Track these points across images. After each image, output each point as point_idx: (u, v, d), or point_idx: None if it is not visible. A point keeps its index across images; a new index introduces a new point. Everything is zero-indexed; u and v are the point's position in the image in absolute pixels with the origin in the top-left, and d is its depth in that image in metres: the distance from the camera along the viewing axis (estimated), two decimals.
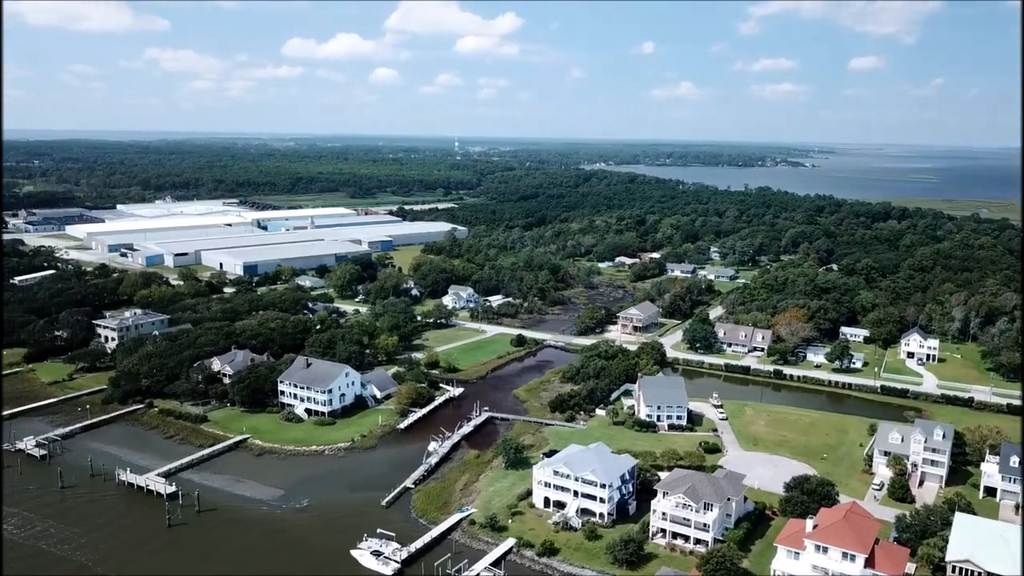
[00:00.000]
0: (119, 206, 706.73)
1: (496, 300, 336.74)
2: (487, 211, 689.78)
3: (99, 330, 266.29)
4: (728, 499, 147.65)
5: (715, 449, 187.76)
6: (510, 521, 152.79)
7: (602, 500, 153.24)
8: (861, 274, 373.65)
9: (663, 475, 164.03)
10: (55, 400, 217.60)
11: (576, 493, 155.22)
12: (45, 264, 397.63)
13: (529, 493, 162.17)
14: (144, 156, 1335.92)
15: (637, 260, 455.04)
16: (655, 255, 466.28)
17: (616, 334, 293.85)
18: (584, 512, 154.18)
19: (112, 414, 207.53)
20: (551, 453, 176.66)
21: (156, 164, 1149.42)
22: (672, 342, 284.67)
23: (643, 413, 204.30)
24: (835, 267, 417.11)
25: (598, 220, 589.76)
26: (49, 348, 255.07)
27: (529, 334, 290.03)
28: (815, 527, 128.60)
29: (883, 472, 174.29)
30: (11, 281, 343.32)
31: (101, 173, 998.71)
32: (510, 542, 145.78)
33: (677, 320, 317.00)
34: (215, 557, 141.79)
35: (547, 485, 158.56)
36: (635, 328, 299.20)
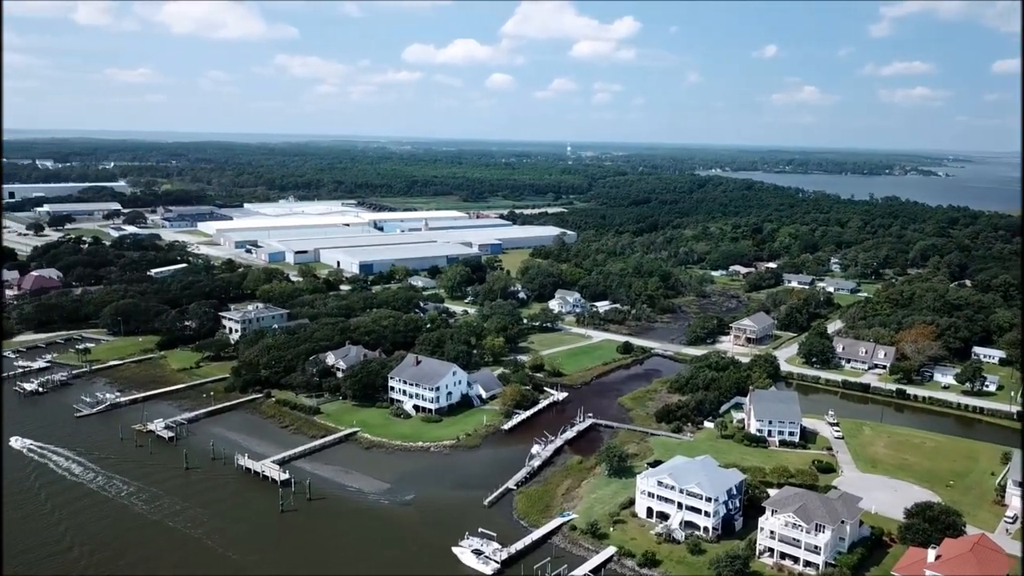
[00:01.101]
0: (246, 204, 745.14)
1: (603, 306, 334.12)
2: (597, 216, 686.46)
3: (224, 322, 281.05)
4: (842, 522, 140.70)
5: (829, 469, 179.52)
6: (611, 529, 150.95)
7: (707, 514, 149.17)
8: (998, 291, 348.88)
9: (772, 492, 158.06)
10: (183, 386, 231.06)
11: (680, 505, 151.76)
12: (178, 258, 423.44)
13: (632, 502, 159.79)
14: (270, 157, 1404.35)
15: (752, 269, 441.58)
16: (771, 265, 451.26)
17: (728, 345, 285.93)
18: (688, 525, 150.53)
19: (233, 402, 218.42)
20: (656, 463, 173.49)
21: (280, 165, 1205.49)
22: (786, 356, 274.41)
23: (753, 427, 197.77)
24: (968, 283, 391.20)
25: (712, 227, 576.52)
26: (179, 337, 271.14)
27: (636, 341, 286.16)
28: (938, 558, 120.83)
29: (1017, 504, 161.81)
30: (148, 273, 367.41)
31: (231, 173, 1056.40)
32: (611, 550, 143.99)
33: (793, 333, 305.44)
34: (323, 544, 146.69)
35: (651, 495, 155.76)
36: (748, 340, 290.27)
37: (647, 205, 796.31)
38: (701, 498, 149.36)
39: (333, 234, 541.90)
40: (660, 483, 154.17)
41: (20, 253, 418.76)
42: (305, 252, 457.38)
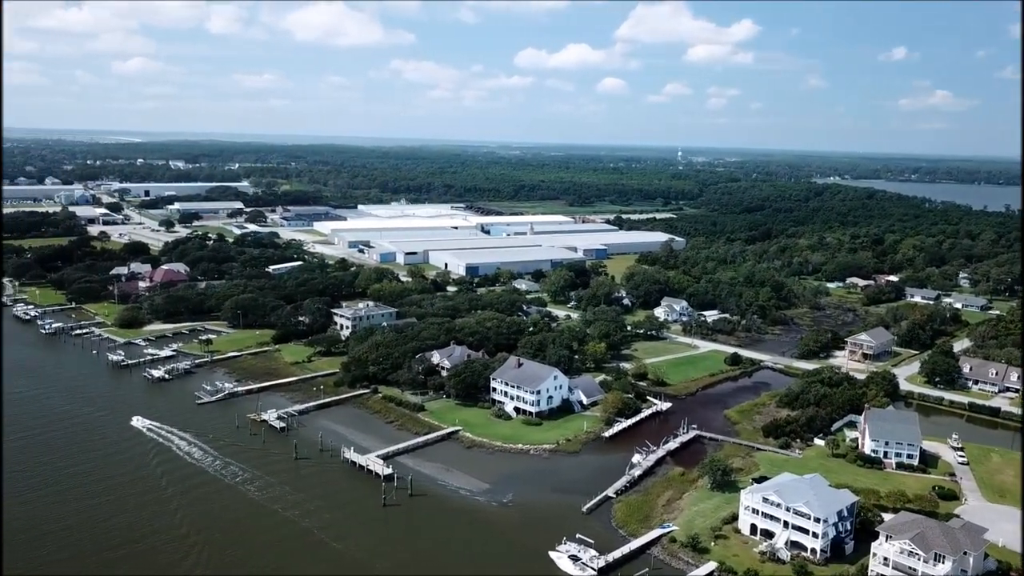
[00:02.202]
0: (360, 206, 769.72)
1: (711, 315, 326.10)
2: (707, 222, 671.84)
3: (336, 318, 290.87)
4: (964, 553, 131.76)
5: (951, 496, 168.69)
6: (713, 544, 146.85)
7: (815, 535, 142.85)
8: None
9: (887, 517, 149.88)
10: (295, 379, 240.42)
11: (786, 524, 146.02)
12: (295, 256, 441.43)
13: (735, 517, 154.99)
14: (383, 160, 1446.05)
15: (871, 282, 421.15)
16: (892, 278, 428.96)
17: (842, 360, 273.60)
18: (794, 545, 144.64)
19: (342, 396, 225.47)
20: (762, 479, 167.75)
21: (393, 168, 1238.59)
22: (907, 374, 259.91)
23: (868, 448, 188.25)
24: None
25: (829, 237, 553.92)
26: (293, 331, 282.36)
27: (745, 353, 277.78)
28: None
29: None
30: (266, 269, 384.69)
31: (346, 175, 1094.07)
32: (711, 565, 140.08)
33: (914, 350, 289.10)
34: (423, 540, 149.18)
35: (755, 512, 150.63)
36: (865, 355, 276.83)
37: (760, 213, 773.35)
38: (809, 518, 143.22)
39: (441, 236, 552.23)
40: (766, 500, 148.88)
41: (152, 248, 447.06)
42: (415, 253, 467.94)
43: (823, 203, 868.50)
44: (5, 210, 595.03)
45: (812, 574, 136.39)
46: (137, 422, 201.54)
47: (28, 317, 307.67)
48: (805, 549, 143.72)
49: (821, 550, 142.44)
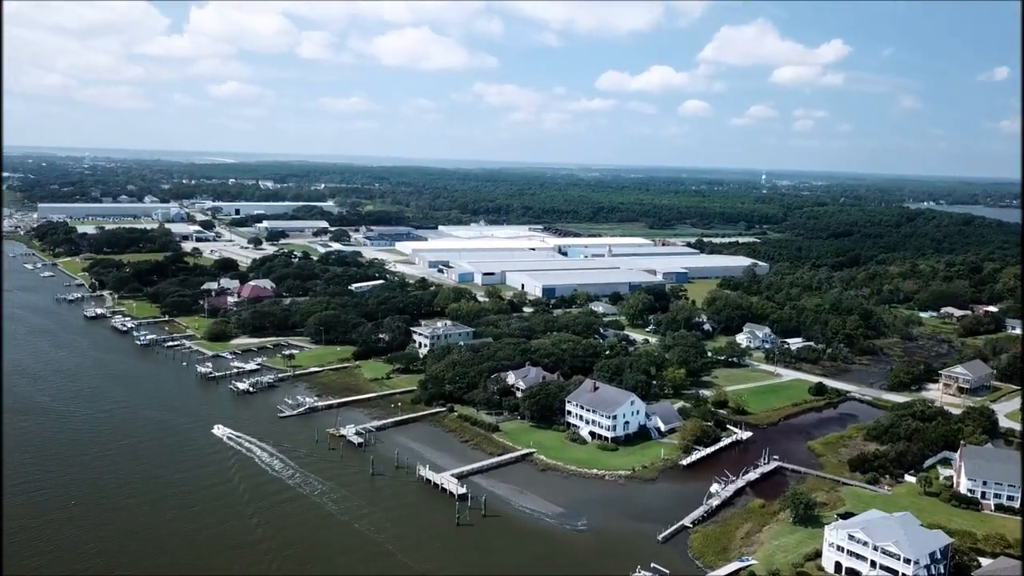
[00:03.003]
0: (440, 226, 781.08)
1: (795, 343, 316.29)
2: (792, 247, 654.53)
3: (415, 336, 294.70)
4: None
5: None
6: None
7: None
8: None
9: (984, 562, 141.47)
10: (373, 395, 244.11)
11: (874, 564, 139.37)
12: (377, 275, 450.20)
13: (818, 554, 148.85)
14: (464, 182, 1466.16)
15: (968, 312, 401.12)
16: (991, 308, 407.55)
17: (936, 394, 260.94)
18: None
19: (418, 413, 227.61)
20: (847, 515, 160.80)
21: (473, 190, 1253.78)
22: (1007, 410, 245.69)
23: (963, 487, 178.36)
24: None
25: (922, 264, 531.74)
26: (373, 348, 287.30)
27: (831, 383, 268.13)
28: None
29: None
30: (349, 287, 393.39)
31: (427, 196, 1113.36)
32: None
33: (1015, 385, 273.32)
34: (495, 561, 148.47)
35: (840, 549, 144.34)
36: (960, 389, 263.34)
37: (848, 238, 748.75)
38: (899, 558, 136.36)
39: (519, 258, 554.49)
40: (852, 537, 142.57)
41: (241, 264, 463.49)
42: (492, 274, 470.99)
43: (916, 229, 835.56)
44: (108, 226, 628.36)
45: None
46: (218, 431, 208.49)
47: (125, 329, 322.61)
48: None
49: None
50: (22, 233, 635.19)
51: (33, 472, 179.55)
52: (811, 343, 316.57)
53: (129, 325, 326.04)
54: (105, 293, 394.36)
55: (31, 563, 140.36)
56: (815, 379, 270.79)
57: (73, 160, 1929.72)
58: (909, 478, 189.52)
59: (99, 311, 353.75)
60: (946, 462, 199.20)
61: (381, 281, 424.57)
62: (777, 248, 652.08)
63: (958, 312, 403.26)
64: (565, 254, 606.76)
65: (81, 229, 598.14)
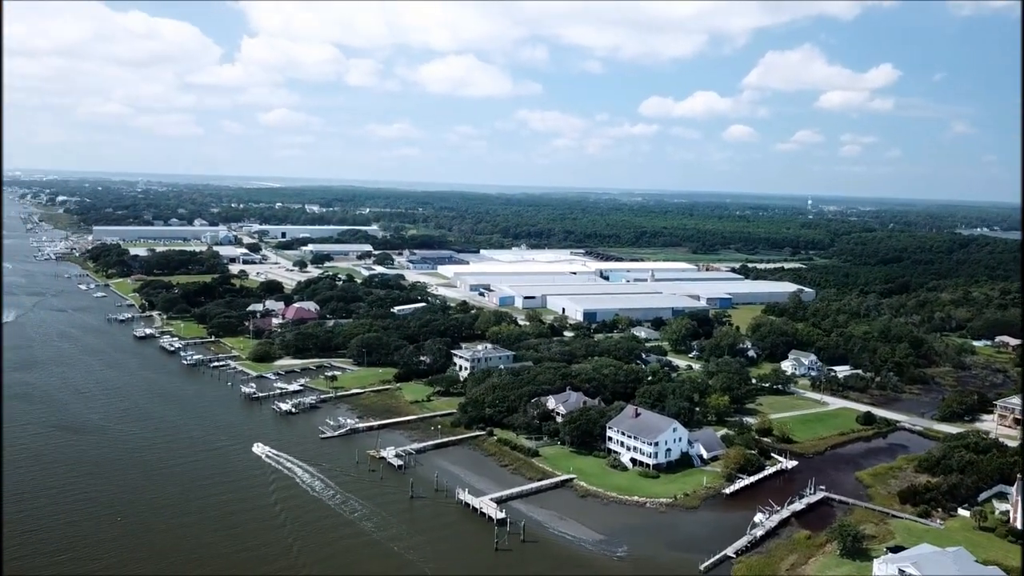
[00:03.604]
0: (482, 251, 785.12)
1: (843, 371, 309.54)
2: (839, 273, 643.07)
3: (455, 359, 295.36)
4: None
5: None
6: None
7: None
8: None
9: None
10: (414, 417, 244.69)
11: None
12: (419, 297, 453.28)
13: None
14: (506, 207, 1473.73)
15: None
16: None
17: (991, 425, 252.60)
18: None
19: (458, 436, 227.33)
20: (897, 549, 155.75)
21: (515, 215, 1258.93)
22: None
23: (1020, 522, 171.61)
24: None
25: (975, 292, 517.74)
26: (415, 371, 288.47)
27: (879, 412, 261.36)
28: None
29: None
30: (391, 310, 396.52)
31: (470, 221, 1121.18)
32: None
33: None
34: None
35: None
36: (1016, 420, 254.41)
37: (897, 264, 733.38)
38: None
39: (560, 282, 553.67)
40: (902, 572, 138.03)
41: (286, 286, 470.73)
42: (533, 298, 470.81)
43: (969, 255, 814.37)
44: (159, 249, 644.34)
45: None
46: (257, 449, 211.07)
47: (172, 348, 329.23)
48: None
49: None
50: (77, 254, 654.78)
51: (82, 488, 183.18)
52: (859, 371, 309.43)
53: (176, 345, 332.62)
54: (154, 314, 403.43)
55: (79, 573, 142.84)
56: (863, 408, 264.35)
57: (127, 184, 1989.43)
58: (963, 512, 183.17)
59: (148, 331, 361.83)
60: (1002, 496, 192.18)
61: (423, 304, 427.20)
62: (823, 274, 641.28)
63: (1013, 341, 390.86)
64: (607, 278, 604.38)
65: (133, 251, 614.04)
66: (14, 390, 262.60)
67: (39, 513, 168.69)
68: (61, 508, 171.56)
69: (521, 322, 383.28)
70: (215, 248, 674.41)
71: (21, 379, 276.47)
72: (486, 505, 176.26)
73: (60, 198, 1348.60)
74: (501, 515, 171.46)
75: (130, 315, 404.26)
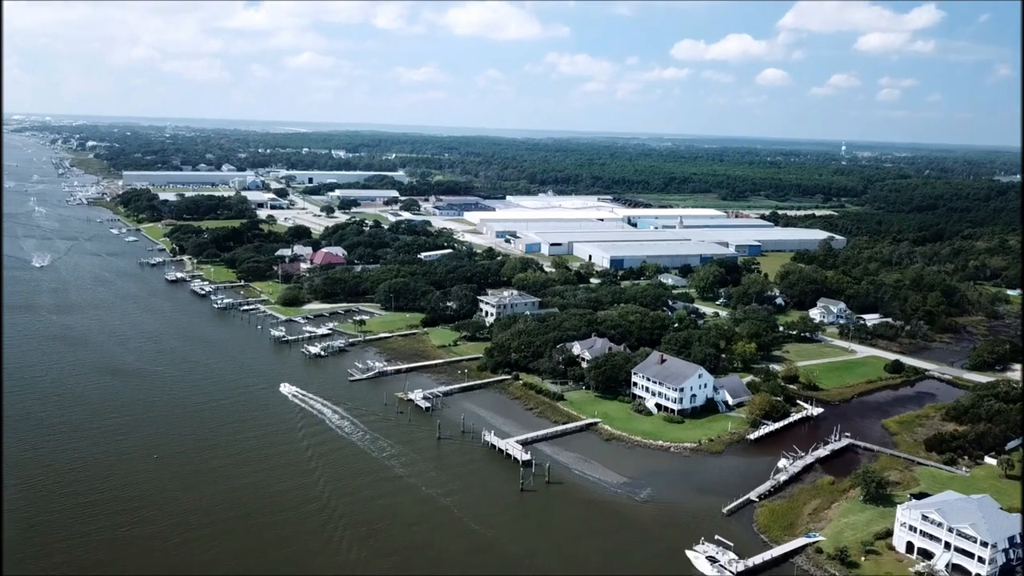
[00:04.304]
0: (508, 197, 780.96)
1: (872, 319, 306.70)
2: (871, 221, 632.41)
3: (481, 305, 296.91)
4: None
5: None
6: (863, 559, 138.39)
7: (981, 560, 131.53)
8: None
9: None
10: (440, 361, 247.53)
11: (948, 545, 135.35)
12: (445, 244, 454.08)
13: (888, 533, 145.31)
14: (533, 152, 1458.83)
15: None
16: None
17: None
18: (955, 568, 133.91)
19: (484, 380, 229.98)
20: (921, 495, 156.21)
21: (542, 160, 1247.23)
22: None
23: None
24: None
25: (1012, 240, 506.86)
26: (441, 316, 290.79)
27: (908, 361, 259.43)
28: None
29: None
30: (418, 256, 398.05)
31: (496, 166, 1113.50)
32: None
33: None
34: (558, 527, 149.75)
35: (912, 529, 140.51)
36: None
37: (932, 212, 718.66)
38: (975, 541, 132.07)
39: (587, 228, 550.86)
40: (926, 518, 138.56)
41: (314, 232, 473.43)
42: (559, 244, 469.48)
43: (1007, 203, 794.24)
44: (188, 194, 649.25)
45: None
46: (284, 388, 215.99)
47: (203, 292, 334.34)
48: (968, 574, 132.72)
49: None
50: (108, 199, 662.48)
51: (120, 427, 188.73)
52: (889, 320, 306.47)
53: (207, 289, 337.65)
54: (185, 258, 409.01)
55: (118, 511, 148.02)
56: (892, 356, 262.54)
57: (156, 130, 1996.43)
58: (989, 460, 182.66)
59: (179, 275, 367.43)
60: None
61: (449, 250, 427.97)
62: (855, 222, 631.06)
63: None
64: (635, 225, 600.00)
65: (163, 196, 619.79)
66: (55, 332, 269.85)
67: (80, 450, 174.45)
68: (100, 447, 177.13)
69: (547, 269, 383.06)
70: (243, 193, 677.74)
71: (61, 322, 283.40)
72: (512, 447, 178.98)
73: (90, 143, 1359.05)
74: (526, 457, 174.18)
75: (161, 259, 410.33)
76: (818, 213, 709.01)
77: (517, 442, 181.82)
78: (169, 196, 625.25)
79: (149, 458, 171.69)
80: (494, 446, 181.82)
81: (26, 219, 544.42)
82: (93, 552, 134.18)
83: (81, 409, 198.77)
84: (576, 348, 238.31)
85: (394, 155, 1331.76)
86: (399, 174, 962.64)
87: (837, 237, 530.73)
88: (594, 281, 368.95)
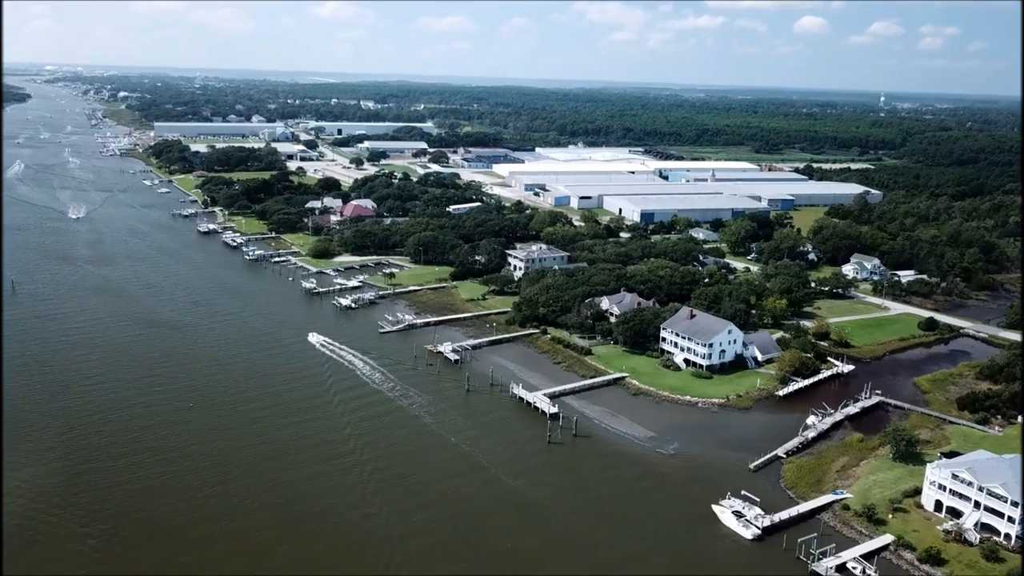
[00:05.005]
0: (537, 149, 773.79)
1: (907, 276, 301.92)
2: (909, 175, 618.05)
3: (510, 259, 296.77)
4: None
5: None
6: (890, 516, 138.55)
7: (1011, 520, 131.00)
8: None
9: None
10: (469, 315, 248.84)
11: (977, 504, 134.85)
12: (473, 197, 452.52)
13: (917, 491, 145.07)
14: (563, 103, 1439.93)
15: None
16: None
17: None
18: (984, 528, 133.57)
19: (512, 334, 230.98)
20: (952, 454, 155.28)
21: (573, 111, 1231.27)
22: None
23: None
24: None
25: None
26: (470, 269, 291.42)
27: (943, 318, 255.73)
28: None
29: None
30: (447, 209, 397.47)
31: (525, 118, 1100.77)
32: (887, 538, 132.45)
33: None
34: (585, 479, 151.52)
35: (941, 488, 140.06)
36: None
37: (973, 166, 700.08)
38: (1006, 501, 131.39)
39: (617, 181, 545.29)
40: (955, 476, 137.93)
41: (343, 184, 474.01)
42: (589, 198, 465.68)
43: None
44: (219, 145, 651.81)
45: (1004, 560, 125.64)
46: (312, 338, 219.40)
47: (235, 244, 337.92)
48: (998, 533, 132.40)
49: (1017, 536, 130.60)
50: (140, 151, 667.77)
51: (157, 376, 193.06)
52: (924, 276, 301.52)
53: (239, 241, 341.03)
54: (216, 209, 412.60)
55: (155, 460, 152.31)
56: (926, 314, 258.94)
57: (185, 80, 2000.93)
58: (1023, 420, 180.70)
59: (211, 227, 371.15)
60: None
61: (478, 203, 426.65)
62: (892, 175, 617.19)
63: None
64: (666, 178, 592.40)
65: (194, 147, 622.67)
66: (94, 282, 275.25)
67: (119, 399, 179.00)
68: (138, 396, 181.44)
69: (576, 223, 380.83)
70: (273, 145, 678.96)
71: (98, 273, 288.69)
72: (539, 400, 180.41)
73: (122, 94, 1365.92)
74: (554, 410, 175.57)
75: (193, 211, 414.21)
76: (854, 166, 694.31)
77: (545, 395, 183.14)
78: (200, 147, 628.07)
79: (185, 407, 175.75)
80: (522, 399, 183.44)
81: (61, 170, 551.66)
82: (133, 500, 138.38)
83: (120, 359, 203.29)
84: (605, 303, 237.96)
85: (423, 106, 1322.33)
86: (428, 125, 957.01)
87: (873, 191, 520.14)
88: (624, 235, 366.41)
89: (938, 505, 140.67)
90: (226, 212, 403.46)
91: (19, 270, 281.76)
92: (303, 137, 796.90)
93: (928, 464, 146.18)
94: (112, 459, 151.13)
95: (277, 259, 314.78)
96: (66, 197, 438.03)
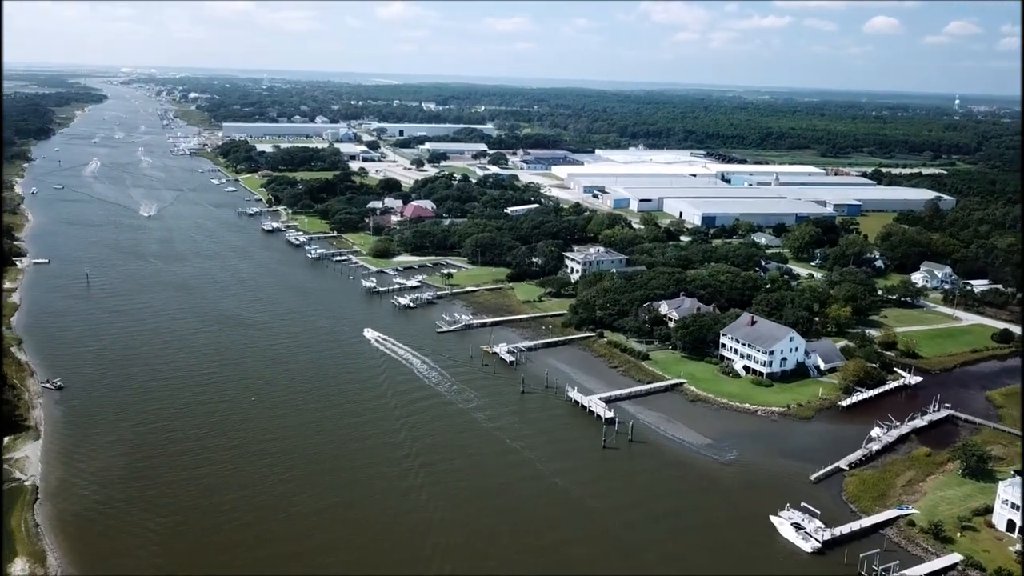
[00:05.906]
0: (597, 151, 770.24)
1: (980, 285, 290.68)
2: (984, 180, 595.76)
3: (567, 261, 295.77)
4: None
5: None
6: (959, 535, 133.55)
7: None
8: None
9: None
10: (525, 316, 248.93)
11: None
12: (532, 199, 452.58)
13: (988, 510, 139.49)
14: (624, 105, 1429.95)
15: None
16: None
17: None
18: None
19: (568, 337, 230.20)
20: None
21: (634, 113, 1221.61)
22: None
23: None
24: None
25: None
26: (527, 271, 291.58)
27: (1018, 330, 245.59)
28: None
29: None
30: (505, 210, 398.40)
31: (586, 119, 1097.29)
32: (955, 557, 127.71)
33: None
34: (640, 486, 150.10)
35: (1015, 507, 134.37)
36: None
37: None
38: None
39: (678, 184, 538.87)
40: None
41: (404, 184, 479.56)
42: (649, 200, 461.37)
43: None
44: (283, 145, 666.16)
45: None
46: (368, 333, 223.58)
47: (297, 242, 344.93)
48: None
49: None
50: (208, 150, 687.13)
51: (222, 371, 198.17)
52: (999, 286, 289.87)
53: (301, 239, 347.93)
54: (280, 208, 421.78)
55: (220, 451, 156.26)
56: (1000, 325, 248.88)
57: (252, 81, 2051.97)
58: None
59: (275, 225, 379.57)
60: None
61: (536, 205, 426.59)
62: (966, 181, 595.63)
63: None
64: (728, 181, 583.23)
65: (259, 147, 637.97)
66: (164, 278, 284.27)
67: (185, 392, 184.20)
68: (203, 390, 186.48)
69: (635, 225, 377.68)
70: (336, 145, 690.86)
71: (168, 269, 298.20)
72: (595, 404, 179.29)
73: (192, 95, 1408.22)
74: (609, 414, 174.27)
75: (258, 209, 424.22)
76: (925, 171, 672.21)
77: (600, 399, 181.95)
78: (266, 147, 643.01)
79: (247, 401, 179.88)
80: (577, 402, 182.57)
81: (134, 169, 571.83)
82: (197, 491, 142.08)
83: (188, 354, 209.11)
84: (663, 307, 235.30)
85: (483, 107, 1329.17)
86: (488, 127, 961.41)
87: (945, 197, 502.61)
88: (684, 239, 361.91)
89: (1010, 525, 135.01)
90: (289, 211, 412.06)
91: (93, 265, 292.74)
92: (365, 138, 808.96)
93: (1000, 482, 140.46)
94: (176, 450, 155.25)
95: (338, 258, 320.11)
96: (138, 195, 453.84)
